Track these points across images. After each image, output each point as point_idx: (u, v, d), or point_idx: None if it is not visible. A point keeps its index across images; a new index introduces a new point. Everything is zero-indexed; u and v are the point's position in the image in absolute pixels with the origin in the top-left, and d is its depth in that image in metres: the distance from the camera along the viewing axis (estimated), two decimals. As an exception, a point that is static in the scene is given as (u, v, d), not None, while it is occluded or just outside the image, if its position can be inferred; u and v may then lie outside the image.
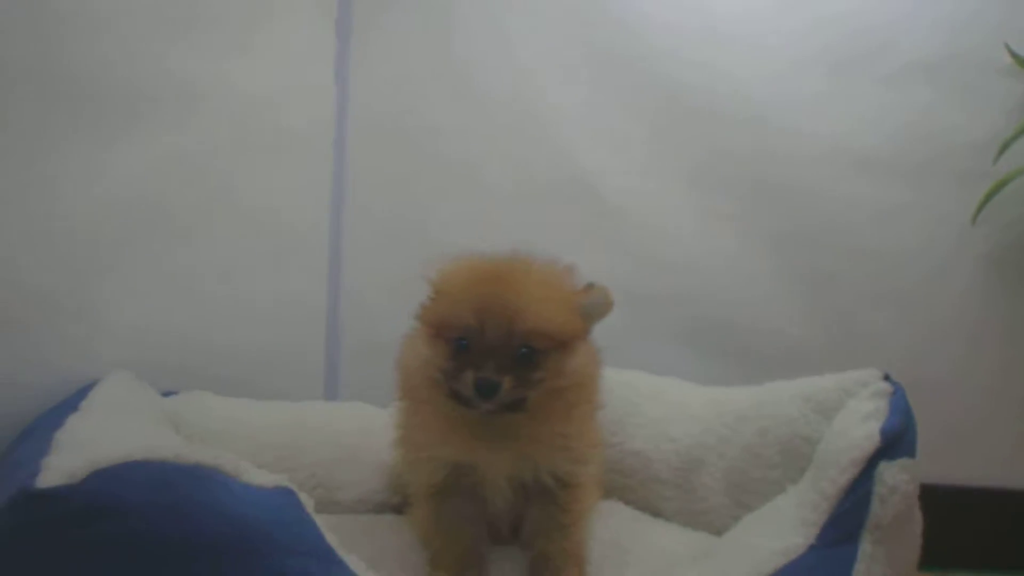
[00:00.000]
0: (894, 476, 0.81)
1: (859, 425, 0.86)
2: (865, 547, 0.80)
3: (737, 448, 1.06)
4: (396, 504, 1.19)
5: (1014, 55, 1.37)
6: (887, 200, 1.46)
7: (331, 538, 0.65)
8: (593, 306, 0.91)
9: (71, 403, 0.93)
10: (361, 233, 1.55)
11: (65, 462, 0.62)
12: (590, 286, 0.93)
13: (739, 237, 1.50)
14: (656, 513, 1.13)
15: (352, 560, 0.65)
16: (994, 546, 1.39)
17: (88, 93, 1.13)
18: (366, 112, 1.56)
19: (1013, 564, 1.37)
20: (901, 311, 1.44)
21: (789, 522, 0.84)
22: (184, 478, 0.61)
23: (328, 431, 1.23)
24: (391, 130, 1.56)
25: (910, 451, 0.84)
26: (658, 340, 1.49)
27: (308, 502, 0.66)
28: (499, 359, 0.83)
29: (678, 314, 1.50)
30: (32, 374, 1.02)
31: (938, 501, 1.34)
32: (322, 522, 0.68)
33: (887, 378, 0.93)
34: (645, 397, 1.23)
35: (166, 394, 1.19)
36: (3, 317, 0.99)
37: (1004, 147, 1.34)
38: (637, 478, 1.16)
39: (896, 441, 0.83)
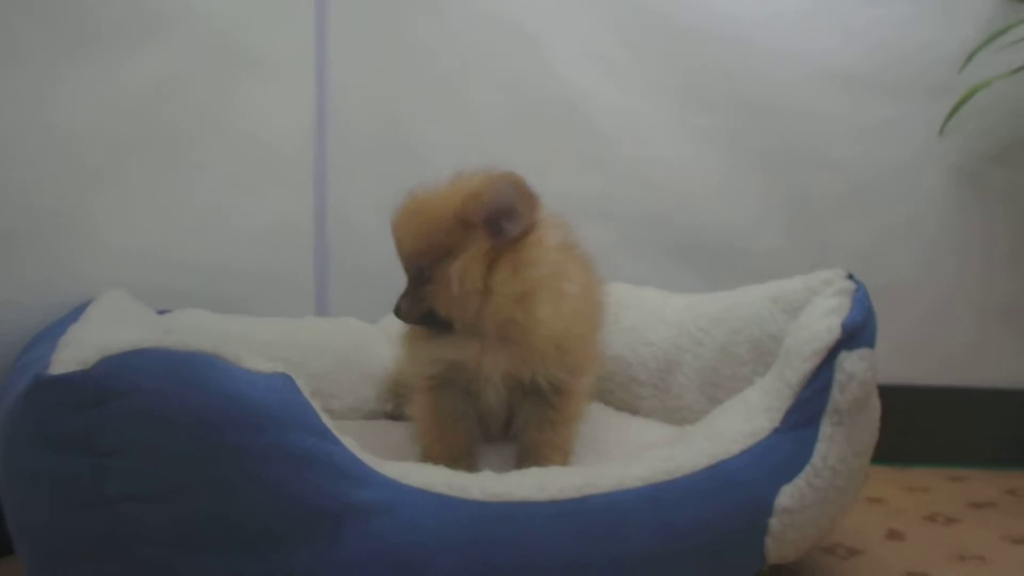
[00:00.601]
0: (853, 364, 0.87)
1: (822, 319, 0.91)
2: (825, 429, 0.86)
3: (710, 349, 1.12)
4: (388, 411, 1.25)
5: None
6: (865, 116, 1.50)
7: (327, 420, 0.70)
8: (499, 203, 0.92)
9: (70, 318, 0.96)
10: (346, 154, 1.58)
11: (75, 353, 0.65)
12: (490, 181, 0.93)
13: (722, 155, 1.55)
14: (634, 412, 1.20)
15: (347, 441, 0.70)
16: (951, 440, 1.47)
17: (83, 15, 1.13)
18: (348, 30, 1.57)
19: (969, 457, 1.46)
20: (864, 218, 1.50)
21: (755, 409, 0.90)
22: (188, 362, 0.64)
23: (321, 344, 1.27)
24: (375, 48, 1.58)
25: (869, 343, 0.90)
26: (642, 255, 1.54)
27: (305, 388, 0.70)
28: (410, 282, 0.97)
29: (661, 230, 1.56)
30: (28, 293, 1.03)
31: (901, 399, 1.44)
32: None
33: (850, 277, 0.97)
34: (623, 306, 1.28)
35: (160, 312, 1.22)
36: (6, 233, 1.00)
37: (970, 57, 1.38)
38: (616, 380, 1.22)
39: (856, 333, 0.88)
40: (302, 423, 0.67)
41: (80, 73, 1.12)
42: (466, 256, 0.91)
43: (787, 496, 0.82)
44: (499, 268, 0.91)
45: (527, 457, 0.95)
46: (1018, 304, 1.48)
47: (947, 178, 1.48)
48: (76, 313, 0.99)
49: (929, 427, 1.46)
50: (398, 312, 0.97)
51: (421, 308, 0.95)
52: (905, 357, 1.45)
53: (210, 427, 0.63)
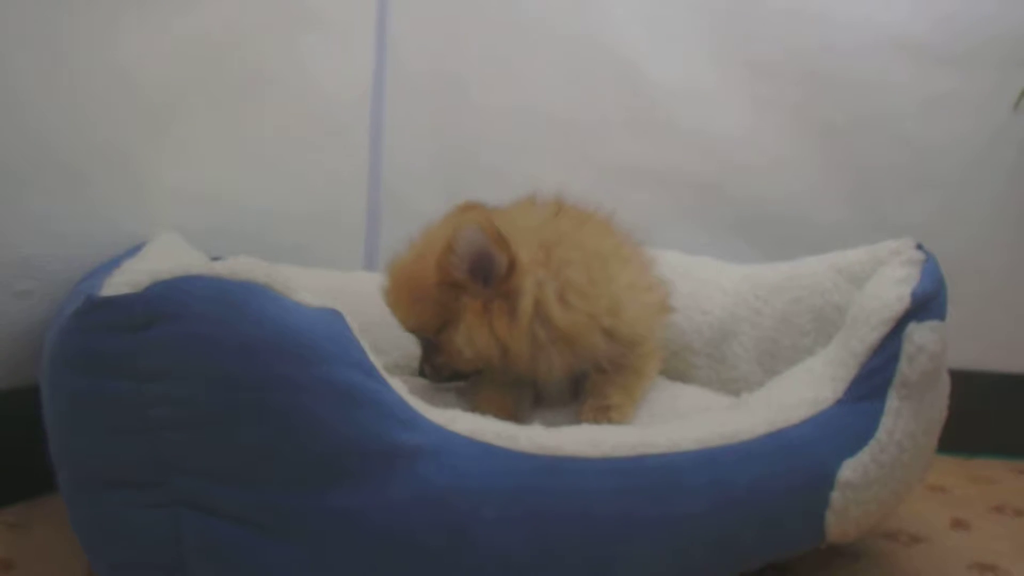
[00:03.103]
0: (923, 336, 0.82)
1: (890, 288, 0.86)
2: (892, 403, 0.82)
3: (769, 318, 1.08)
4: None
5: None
6: (934, 87, 1.43)
7: (375, 360, 0.68)
8: (467, 257, 0.89)
9: (127, 255, 0.96)
10: (403, 112, 1.56)
11: (127, 278, 0.63)
12: (450, 242, 0.90)
13: (784, 125, 1.49)
14: (687, 382, 1.16)
15: (394, 383, 0.68)
16: (1018, 430, 1.40)
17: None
18: (406, 1, 1.55)
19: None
20: (935, 196, 1.44)
21: (819, 378, 0.86)
22: (239, 289, 0.62)
23: (370, 297, 1.25)
24: (434, 7, 1.55)
25: (940, 315, 0.85)
26: (699, 225, 1.50)
27: (354, 325, 0.68)
28: (422, 349, 1.00)
29: (719, 200, 1.51)
30: (88, 229, 1.03)
31: (964, 385, 1.37)
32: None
33: (920, 247, 0.93)
34: (679, 274, 1.24)
35: (213, 259, 1.22)
36: (69, 169, 0.99)
37: None
38: (670, 349, 1.18)
39: (926, 303, 0.84)
40: (350, 358, 0.65)
41: (146, 18, 1.11)
42: (465, 324, 0.90)
43: (850, 470, 0.78)
44: (499, 317, 0.89)
45: (590, 395, 0.93)
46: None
47: (1020, 155, 1.41)
48: (133, 252, 0.99)
49: (994, 415, 1.39)
50: (424, 376, 0.98)
51: (445, 373, 0.96)
52: (969, 340, 1.38)
53: (257, 355, 0.61)
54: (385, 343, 1.21)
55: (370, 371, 0.66)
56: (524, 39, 1.53)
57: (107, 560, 0.66)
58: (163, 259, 0.93)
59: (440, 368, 0.96)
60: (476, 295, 0.89)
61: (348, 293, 1.23)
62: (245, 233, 1.30)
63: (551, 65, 1.52)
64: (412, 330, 0.98)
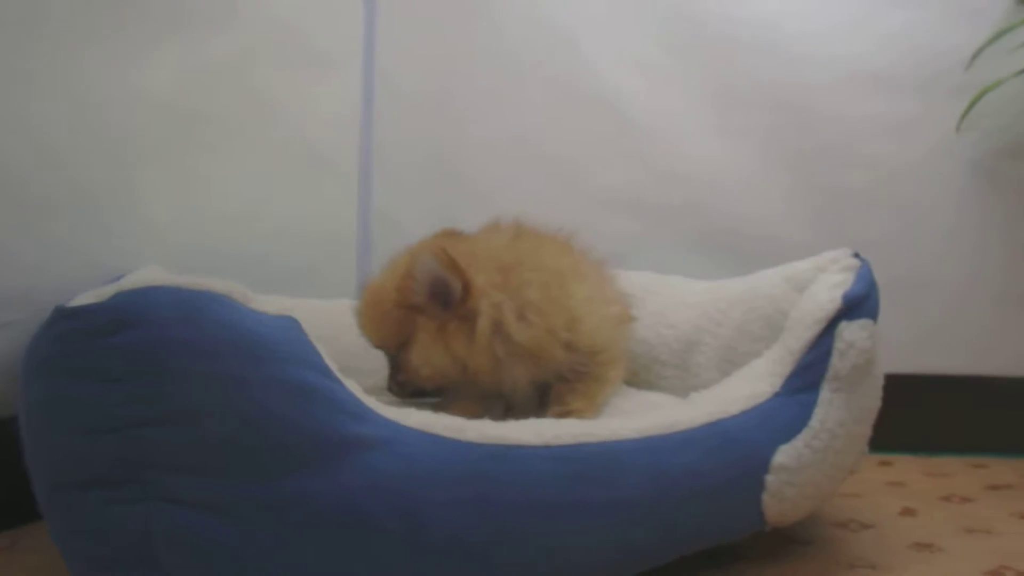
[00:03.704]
0: (853, 333, 0.89)
1: (825, 291, 0.93)
2: (825, 394, 0.88)
3: (728, 328, 1.14)
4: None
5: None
6: (891, 116, 1.52)
7: (331, 363, 0.74)
8: (425, 284, 0.96)
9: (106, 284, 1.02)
10: (391, 153, 1.64)
11: (95, 292, 0.69)
12: (410, 269, 0.98)
13: (754, 153, 1.57)
14: (656, 391, 1.22)
15: (350, 383, 0.74)
16: (976, 429, 1.46)
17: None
18: (395, 34, 1.64)
19: (994, 446, 1.45)
20: (896, 216, 1.52)
21: (758, 375, 0.93)
22: (199, 298, 0.68)
23: (353, 322, 1.31)
24: (420, 51, 1.64)
25: (871, 314, 0.92)
26: (674, 246, 1.58)
27: (312, 333, 0.75)
28: (389, 366, 1.05)
29: (691, 223, 1.59)
30: (65, 261, 1.03)
31: (924, 389, 1.43)
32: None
33: (856, 256, 1.00)
34: (650, 292, 1.31)
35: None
36: (43, 202, 1.01)
37: (975, 56, 1.44)
38: (639, 362, 1.25)
39: (857, 304, 0.91)
40: (305, 360, 0.71)
41: (125, 52, 1.12)
42: (419, 343, 0.98)
43: (784, 455, 0.84)
44: (455, 336, 0.96)
45: (553, 402, 1.00)
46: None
47: (965, 173, 1.50)
48: (112, 282, 1.04)
49: (953, 416, 1.45)
50: (391, 391, 1.04)
51: (408, 388, 1.02)
52: (928, 346, 1.45)
53: (216, 356, 0.66)
54: (368, 364, 1.28)
55: (325, 372, 0.72)
56: (509, 72, 1.62)
57: (83, 559, 0.70)
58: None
59: (403, 384, 1.03)
60: (433, 317, 0.97)
61: (333, 319, 1.31)
62: (235, 265, 1.27)
63: (535, 98, 1.61)
64: (377, 347, 1.05)
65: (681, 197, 1.59)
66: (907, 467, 1.31)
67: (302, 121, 1.48)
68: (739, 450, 0.83)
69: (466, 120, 1.63)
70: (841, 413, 0.88)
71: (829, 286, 0.94)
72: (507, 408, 1.06)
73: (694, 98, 1.58)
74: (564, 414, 0.99)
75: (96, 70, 1.08)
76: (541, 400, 1.06)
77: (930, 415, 1.41)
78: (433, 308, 0.97)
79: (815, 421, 0.86)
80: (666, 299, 1.31)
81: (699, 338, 1.20)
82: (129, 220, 1.14)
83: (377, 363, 1.29)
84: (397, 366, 1.02)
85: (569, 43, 1.61)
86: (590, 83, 1.61)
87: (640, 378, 1.26)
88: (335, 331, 1.26)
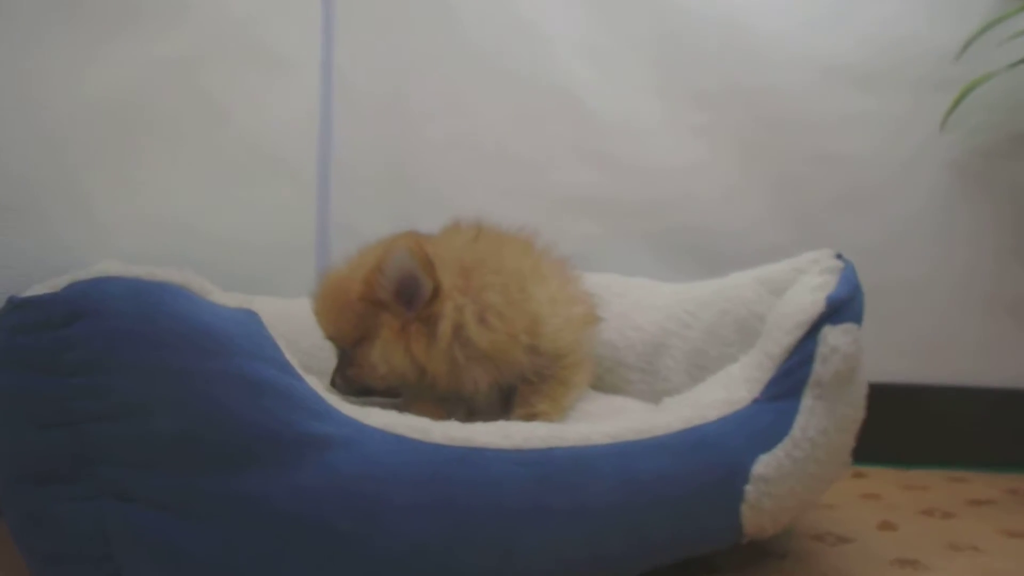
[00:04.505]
0: (837, 338, 0.85)
1: (807, 294, 0.89)
2: (806, 402, 0.84)
3: (697, 331, 1.11)
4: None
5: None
6: (853, 107, 1.48)
7: (292, 359, 0.70)
8: (393, 277, 0.92)
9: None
10: (349, 156, 1.60)
11: (49, 283, 0.67)
12: (378, 264, 0.93)
13: (724, 152, 1.53)
14: (623, 396, 1.18)
15: (311, 379, 0.70)
16: (955, 442, 1.42)
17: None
18: (352, 33, 1.60)
19: (974, 459, 1.41)
20: (865, 215, 1.47)
21: (735, 380, 0.89)
22: (155, 289, 0.65)
23: (314, 322, 1.27)
24: (378, 47, 1.60)
25: (855, 318, 0.88)
26: (632, 246, 1.53)
27: (271, 327, 0.71)
28: (338, 359, 1.01)
29: (656, 224, 1.54)
30: (26, 260, 1.01)
31: (909, 399, 1.40)
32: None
33: (839, 256, 0.96)
34: (615, 294, 1.27)
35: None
36: (9, 195, 0.99)
37: (964, 48, 1.37)
38: (605, 365, 1.21)
39: (841, 307, 0.87)
40: (263, 354, 0.67)
41: (79, 51, 1.11)
42: (381, 341, 0.93)
43: (764, 465, 0.80)
44: (416, 338, 0.92)
45: (517, 405, 0.96)
46: (1026, 301, 1.44)
47: (950, 174, 1.45)
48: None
49: (931, 428, 1.41)
50: (333, 386, 0.99)
51: (354, 385, 0.98)
52: (910, 356, 1.42)
53: (171, 348, 0.63)
54: (329, 366, 1.24)
55: (284, 367, 0.68)
56: (471, 71, 1.58)
57: (40, 555, 0.68)
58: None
59: (350, 380, 0.98)
60: (397, 315, 0.93)
61: (294, 318, 1.26)
62: (194, 262, 1.26)
63: (497, 96, 1.57)
64: (330, 338, 1.01)
65: (646, 197, 1.55)
66: (882, 479, 1.28)
67: (256, 124, 1.45)
68: (716, 458, 0.80)
69: (425, 120, 1.59)
70: (823, 421, 0.84)
71: (811, 288, 0.90)
72: (469, 411, 1.02)
73: (661, 95, 1.54)
74: (529, 416, 0.95)
75: (42, 68, 1.05)
76: (505, 402, 1.02)
77: (904, 425, 1.38)
78: (396, 306, 0.93)
79: (796, 429, 0.83)
80: (631, 301, 1.27)
81: (667, 341, 1.17)
82: (78, 223, 1.11)
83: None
84: (348, 361, 0.98)
85: (532, 39, 1.57)
86: (553, 80, 1.57)
87: (605, 382, 1.22)
88: (296, 330, 1.23)
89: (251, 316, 0.69)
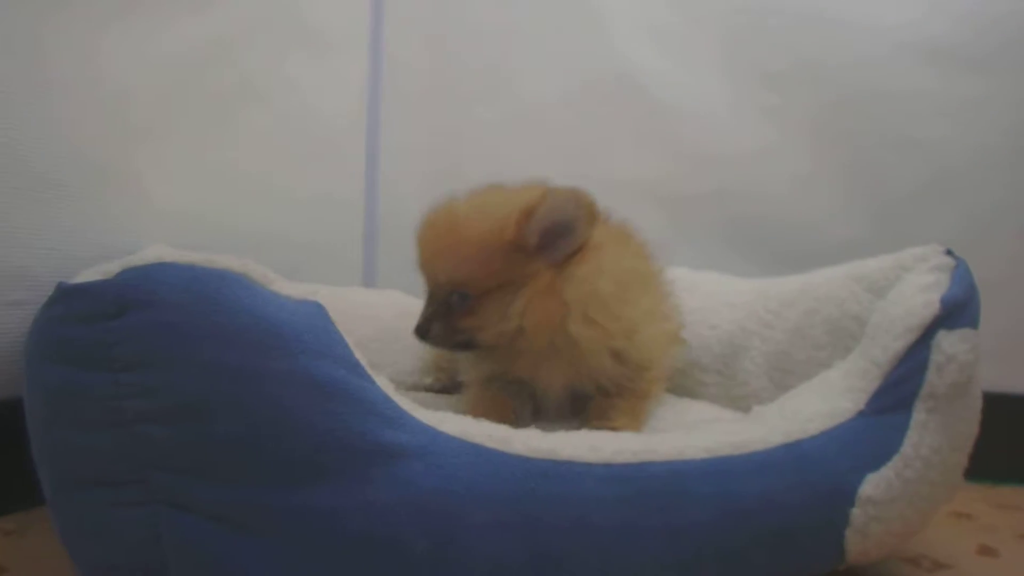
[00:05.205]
0: (953, 345, 0.76)
1: (916, 295, 0.80)
2: (919, 416, 0.76)
3: (781, 331, 1.03)
4: (428, 385, 1.19)
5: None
6: (953, 94, 1.36)
7: (361, 357, 0.63)
8: (555, 218, 0.83)
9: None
10: (398, 129, 1.53)
11: (101, 268, 0.62)
12: (544, 197, 0.83)
13: (796, 137, 1.43)
14: (695, 399, 1.11)
15: (380, 380, 0.63)
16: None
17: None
18: (403, 9, 1.53)
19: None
20: (945, 206, 1.36)
21: (836, 390, 0.80)
22: (213, 278, 0.59)
23: (364, 312, 1.22)
24: (429, 27, 1.53)
25: (971, 323, 0.79)
26: (696, 237, 1.45)
27: (337, 321, 0.64)
28: (436, 304, 0.88)
29: (725, 215, 1.46)
30: (70, 242, 0.99)
31: (990, 409, 1.30)
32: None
33: (949, 252, 0.87)
34: (684, 290, 1.19)
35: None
36: (52, 182, 0.96)
37: None
38: (676, 366, 1.13)
39: (957, 311, 0.78)
40: (332, 352, 0.61)
41: (130, 30, 1.08)
42: (529, 292, 0.83)
43: (872, 486, 0.72)
44: (553, 295, 0.84)
45: (593, 416, 0.88)
46: None
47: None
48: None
49: (1017, 440, 1.29)
50: (424, 336, 0.88)
51: (459, 338, 0.87)
52: (996, 361, 1.31)
53: (232, 345, 0.57)
54: (380, 358, 1.18)
55: (354, 367, 0.61)
56: (524, 50, 1.50)
57: (89, 562, 0.63)
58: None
59: (457, 331, 0.87)
60: (546, 266, 0.84)
61: (343, 308, 1.19)
62: (237, 250, 1.25)
63: (552, 77, 1.49)
64: (450, 281, 0.87)
65: (710, 185, 1.46)
66: (971, 495, 1.19)
67: (308, 98, 1.40)
68: (819, 477, 0.72)
69: (475, 99, 1.52)
70: (937, 438, 0.76)
71: (920, 288, 0.81)
72: (535, 411, 0.95)
73: (727, 76, 1.45)
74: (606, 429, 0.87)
75: (102, 48, 1.03)
76: (574, 410, 0.95)
77: (988, 437, 1.28)
78: (540, 254, 0.84)
79: (907, 446, 0.74)
80: (703, 297, 1.19)
81: (746, 342, 1.09)
82: (126, 204, 1.08)
83: (394, 355, 1.19)
84: (460, 309, 0.86)
85: (590, 17, 1.49)
86: (612, 61, 1.48)
87: (677, 384, 1.15)
88: (345, 321, 1.16)
89: (318, 309, 0.62)
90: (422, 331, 0.88)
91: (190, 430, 0.58)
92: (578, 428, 0.88)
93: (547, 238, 0.83)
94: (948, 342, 0.77)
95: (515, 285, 0.84)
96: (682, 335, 1.06)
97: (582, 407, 0.93)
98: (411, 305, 1.29)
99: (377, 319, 1.21)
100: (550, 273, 0.83)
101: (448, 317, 0.87)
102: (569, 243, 0.83)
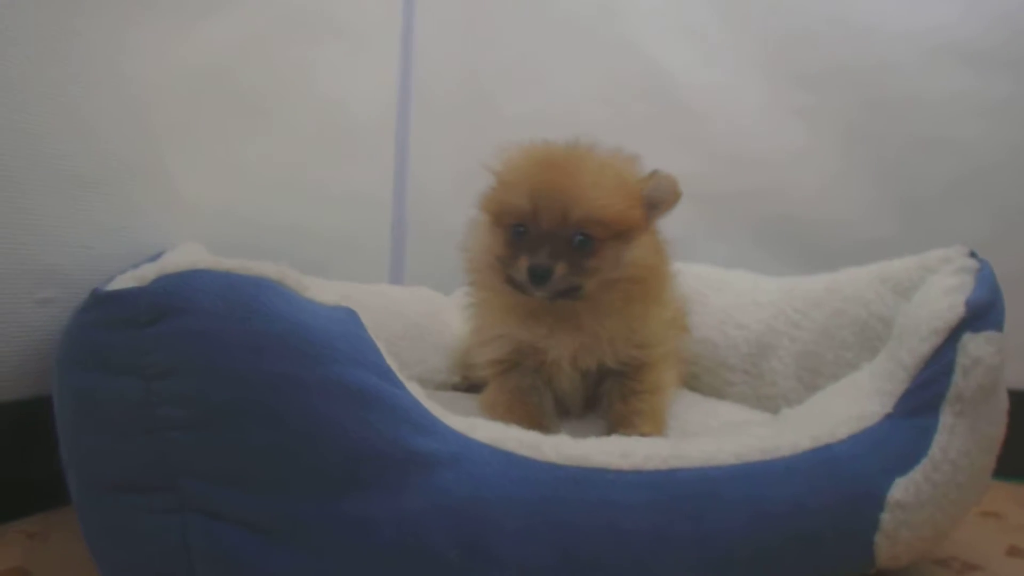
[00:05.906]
0: (979, 348, 0.76)
1: (942, 297, 0.80)
2: (946, 419, 0.76)
3: (809, 331, 1.03)
4: (456, 383, 1.20)
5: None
6: (985, 94, 1.34)
7: (393, 363, 0.64)
8: (657, 194, 0.89)
9: (146, 262, 0.94)
10: (427, 125, 1.53)
11: (135, 273, 0.61)
12: (654, 173, 0.90)
13: (826, 136, 1.43)
14: (722, 398, 1.11)
15: (412, 387, 0.64)
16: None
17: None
18: (435, 6, 1.53)
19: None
20: (976, 205, 1.34)
21: (865, 392, 0.81)
22: (248, 285, 0.59)
23: (392, 309, 1.23)
24: (460, 24, 1.53)
25: (996, 325, 0.79)
26: (735, 239, 1.45)
27: (369, 326, 0.65)
28: (554, 245, 0.84)
29: (747, 209, 1.46)
30: (103, 240, 1.00)
31: (1017, 406, 1.29)
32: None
33: (973, 254, 0.87)
34: (712, 288, 1.20)
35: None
36: (82, 179, 0.97)
37: None
38: (703, 364, 1.14)
39: (982, 313, 0.78)
40: (365, 360, 0.61)
41: (161, 27, 1.09)
42: (647, 239, 0.89)
43: (902, 490, 0.72)
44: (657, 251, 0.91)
45: (615, 428, 0.88)
46: None
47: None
48: (152, 259, 0.97)
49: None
50: (545, 278, 0.82)
51: (575, 281, 0.85)
52: (1021, 359, 1.31)
53: (266, 353, 0.58)
54: (409, 356, 1.19)
55: (386, 373, 0.62)
56: (555, 46, 1.50)
57: (115, 567, 0.64)
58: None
59: (586, 272, 0.85)
60: (648, 219, 0.91)
61: (372, 306, 1.21)
62: (266, 249, 1.24)
63: (583, 76, 1.49)
64: (587, 220, 0.84)
65: (742, 184, 1.46)
66: (1000, 494, 1.18)
67: (338, 94, 1.41)
68: (849, 481, 0.72)
69: (505, 95, 1.52)
70: (965, 441, 0.76)
71: (945, 290, 0.81)
72: (555, 398, 0.96)
73: (760, 76, 1.45)
74: None
75: (132, 46, 1.04)
76: (589, 398, 0.96)
77: (1018, 435, 1.28)
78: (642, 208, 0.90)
79: (936, 450, 0.74)
80: (732, 296, 1.20)
81: (774, 341, 1.09)
82: (159, 202, 1.10)
83: (422, 354, 1.20)
84: (584, 250, 0.85)
85: (623, 14, 1.48)
86: (645, 59, 1.48)
87: (704, 383, 1.15)
88: (374, 319, 1.15)
89: (350, 315, 0.63)
90: (543, 272, 0.82)
91: (223, 438, 0.58)
92: (607, 434, 0.89)
93: (650, 204, 0.89)
94: (974, 344, 0.76)
95: (627, 236, 0.87)
96: (685, 322, 1.10)
97: (595, 402, 0.95)
98: (439, 303, 1.31)
99: (404, 316, 1.23)
100: (651, 233, 0.90)
101: (572, 257, 0.84)
102: (653, 216, 0.90)
